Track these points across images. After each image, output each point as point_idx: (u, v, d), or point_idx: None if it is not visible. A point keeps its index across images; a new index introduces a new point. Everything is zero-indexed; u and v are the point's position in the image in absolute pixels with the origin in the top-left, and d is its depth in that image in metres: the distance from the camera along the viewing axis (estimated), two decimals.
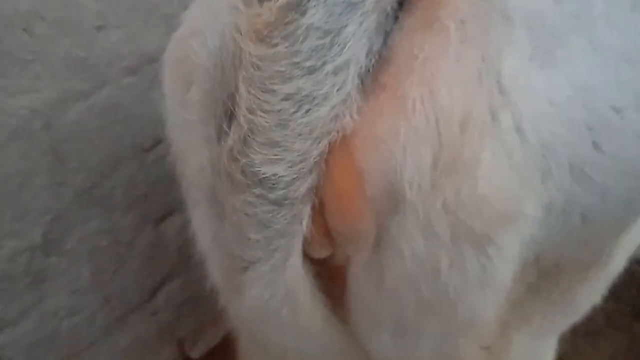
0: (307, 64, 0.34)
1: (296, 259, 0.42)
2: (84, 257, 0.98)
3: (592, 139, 0.36)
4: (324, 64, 0.34)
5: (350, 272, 0.45)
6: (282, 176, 0.36)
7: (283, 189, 0.37)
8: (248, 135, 0.36)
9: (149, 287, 1.15)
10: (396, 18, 0.37)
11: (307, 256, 0.44)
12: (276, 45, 0.33)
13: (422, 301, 0.43)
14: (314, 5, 0.32)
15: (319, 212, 0.40)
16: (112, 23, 0.87)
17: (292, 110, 0.35)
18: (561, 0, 0.36)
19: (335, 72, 0.34)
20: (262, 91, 0.35)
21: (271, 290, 0.46)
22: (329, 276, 0.47)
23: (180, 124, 0.46)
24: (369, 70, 0.36)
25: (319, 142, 0.36)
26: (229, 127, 0.37)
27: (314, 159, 0.36)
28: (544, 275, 0.49)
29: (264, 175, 0.36)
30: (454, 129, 0.35)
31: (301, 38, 0.33)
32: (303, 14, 0.32)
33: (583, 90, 0.35)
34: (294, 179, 0.37)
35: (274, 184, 0.37)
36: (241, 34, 0.34)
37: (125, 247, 1.05)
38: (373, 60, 0.36)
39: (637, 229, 0.50)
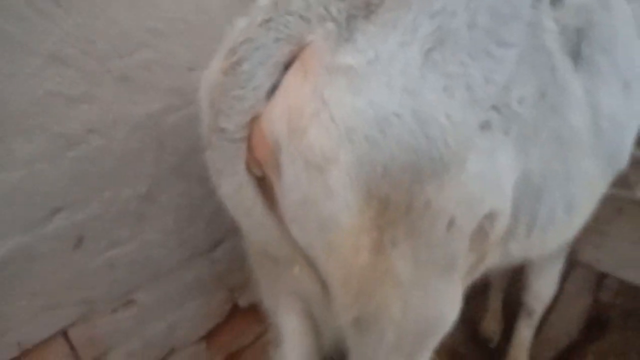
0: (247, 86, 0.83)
1: (243, 175, 0.90)
2: (171, 209, 1.53)
3: None
4: (251, 87, 0.83)
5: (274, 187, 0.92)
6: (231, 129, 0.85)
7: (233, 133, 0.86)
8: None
9: (212, 240, 1.68)
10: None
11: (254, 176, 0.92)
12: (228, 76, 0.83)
13: None
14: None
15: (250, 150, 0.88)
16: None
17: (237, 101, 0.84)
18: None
19: (255, 89, 0.83)
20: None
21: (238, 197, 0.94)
22: (267, 188, 0.94)
23: None
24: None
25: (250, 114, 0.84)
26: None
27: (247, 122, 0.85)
28: None
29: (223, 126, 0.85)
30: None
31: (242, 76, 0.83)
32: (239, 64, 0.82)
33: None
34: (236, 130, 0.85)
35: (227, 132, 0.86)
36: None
37: (198, 208, 1.59)
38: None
39: None
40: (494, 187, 0.99)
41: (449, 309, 1.16)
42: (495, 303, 2.51)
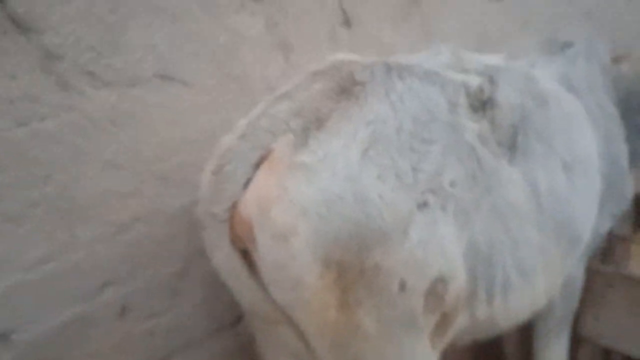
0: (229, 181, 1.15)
1: (229, 248, 1.19)
2: (200, 285, 1.83)
3: None
4: (232, 182, 1.15)
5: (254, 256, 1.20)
6: (219, 213, 1.16)
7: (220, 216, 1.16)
8: None
9: (236, 314, 1.95)
10: None
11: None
12: None
13: None
14: None
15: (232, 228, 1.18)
16: None
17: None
18: None
19: (235, 183, 1.15)
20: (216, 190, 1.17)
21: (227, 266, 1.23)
22: (250, 258, 1.22)
23: None
24: None
25: (231, 201, 1.15)
26: None
27: (229, 207, 1.15)
28: None
29: (214, 211, 1.16)
30: None
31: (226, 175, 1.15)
32: (224, 166, 1.14)
33: None
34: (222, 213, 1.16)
35: (217, 215, 1.17)
36: None
37: (223, 285, 1.88)
38: None
39: None
40: (439, 254, 1.23)
41: None
42: None
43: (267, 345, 1.49)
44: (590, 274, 2.00)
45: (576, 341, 2.04)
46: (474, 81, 1.38)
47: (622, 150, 1.90)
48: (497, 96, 1.42)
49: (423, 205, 1.19)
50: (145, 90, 1.67)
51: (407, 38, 2.24)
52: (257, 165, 1.12)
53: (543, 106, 1.55)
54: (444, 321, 1.35)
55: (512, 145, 1.42)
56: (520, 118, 1.47)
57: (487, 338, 1.73)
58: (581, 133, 1.67)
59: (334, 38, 2.05)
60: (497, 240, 1.36)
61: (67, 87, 1.55)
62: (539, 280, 1.53)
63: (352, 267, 1.13)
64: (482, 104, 1.38)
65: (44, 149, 1.48)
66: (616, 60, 2.13)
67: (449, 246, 1.24)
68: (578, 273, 1.99)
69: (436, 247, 1.21)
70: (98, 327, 1.62)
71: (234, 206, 1.12)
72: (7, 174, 1.42)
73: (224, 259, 1.19)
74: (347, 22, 2.06)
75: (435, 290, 1.24)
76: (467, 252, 1.31)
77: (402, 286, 1.19)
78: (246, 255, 1.17)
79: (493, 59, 1.64)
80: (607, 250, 2.04)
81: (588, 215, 1.67)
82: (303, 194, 1.07)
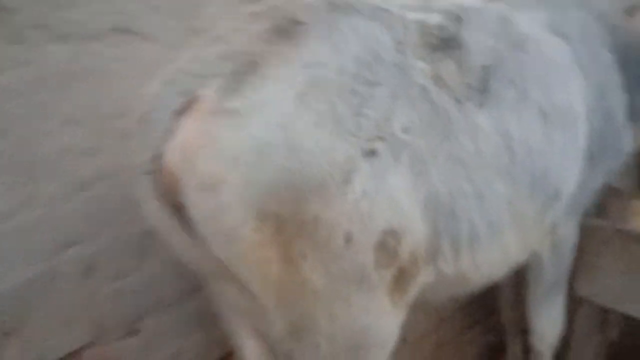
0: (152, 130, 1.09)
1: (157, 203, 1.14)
2: None
3: None
4: (155, 130, 1.09)
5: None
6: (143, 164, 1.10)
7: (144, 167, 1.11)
8: None
9: None
10: None
11: None
12: None
13: None
14: None
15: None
16: None
17: None
18: None
19: (158, 132, 1.09)
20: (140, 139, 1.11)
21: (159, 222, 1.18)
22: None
23: None
24: None
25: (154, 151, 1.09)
26: None
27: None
28: None
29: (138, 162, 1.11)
30: None
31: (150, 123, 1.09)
32: (149, 114, 1.08)
33: None
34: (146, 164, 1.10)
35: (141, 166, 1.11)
36: None
37: None
38: None
39: None
40: (388, 206, 1.15)
41: (377, 324, 1.29)
42: (513, 347, 2.50)
43: (220, 304, 1.46)
44: (585, 231, 1.90)
45: (573, 301, 1.96)
46: (434, 19, 1.28)
47: (619, 102, 1.78)
48: (464, 35, 1.32)
49: (370, 154, 1.12)
50: (103, 44, 1.62)
51: None
52: (184, 112, 1.05)
53: (519, 50, 1.44)
54: (403, 276, 1.28)
55: (483, 88, 1.32)
56: (493, 60, 1.36)
57: (462, 294, 1.66)
58: (563, 81, 1.55)
59: None
60: (459, 191, 1.28)
61: (21, 40, 1.50)
62: (509, 234, 1.45)
63: (291, 220, 1.07)
64: (443, 43, 1.28)
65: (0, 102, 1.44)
66: (630, 11, 1.98)
67: (401, 197, 1.17)
68: (569, 231, 1.88)
69: (385, 198, 1.14)
70: (63, 286, 1.60)
71: (159, 157, 1.06)
72: None
73: (154, 214, 1.14)
74: None
75: (386, 244, 1.18)
76: (426, 204, 1.24)
77: (348, 239, 1.13)
78: (178, 209, 1.12)
79: (470, 0, 1.53)
80: (602, 206, 1.93)
81: (568, 169, 1.57)
82: (231, 141, 1.00)
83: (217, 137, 1.00)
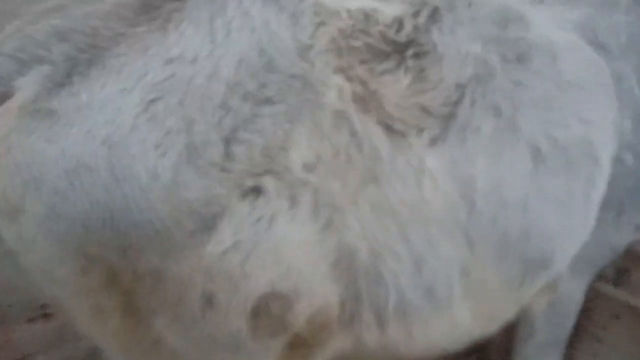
0: None
1: None
2: None
3: None
4: None
5: None
6: None
7: None
8: None
9: None
10: None
11: None
12: None
13: None
14: None
15: None
16: None
17: None
18: None
19: None
20: None
21: None
22: None
23: None
24: None
25: None
26: None
27: None
28: None
29: None
30: None
31: None
32: None
33: None
34: None
35: None
36: None
37: None
38: None
39: None
40: (272, 262, 0.85)
41: None
42: None
43: None
44: (595, 296, 1.51)
45: None
46: (391, 10, 0.91)
47: None
48: (436, 37, 0.95)
49: (252, 192, 0.80)
50: None
51: None
52: None
53: (518, 63, 1.04)
54: (304, 344, 0.98)
55: (448, 115, 0.95)
56: (474, 77, 0.98)
57: None
58: (581, 108, 1.13)
59: None
60: (387, 250, 0.94)
61: None
62: (461, 307, 1.09)
63: (122, 268, 0.78)
64: (397, 47, 0.91)
65: None
66: None
67: (296, 252, 0.86)
68: (573, 292, 1.49)
69: (269, 251, 0.84)
70: None
71: None
72: None
73: None
74: None
75: (268, 311, 0.87)
76: (338, 262, 0.92)
77: (208, 301, 0.84)
78: None
79: None
80: (621, 272, 1.52)
81: (569, 227, 1.16)
82: (37, 155, 0.72)
83: (19, 149, 0.72)
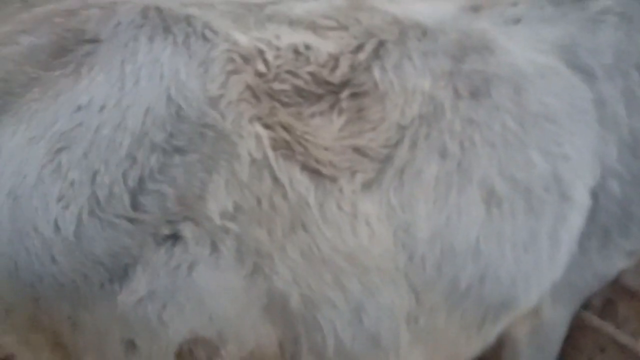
0: None
1: None
2: None
3: None
4: None
5: None
6: None
7: None
8: None
9: None
10: None
11: None
12: None
13: None
14: None
15: None
16: None
17: None
18: None
19: None
20: None
21: None
22: None
23: None
24: None
25: None
26: None
27: None
28: None
29: None
30: None
31: None
32: None
33: None
34: None
35: None
36: None
37: None
38: None
39: None
40: (194, 309, 0.83)
41: None
42: None
43: None
44: (580, 327, 1.44)
45: None
46: (325, 48, 0.86)
47: None
48: (376, 76, 0.89)
49: (168, 239, 0.79)
50: None
51: None
52: None
53: (473, 100, 0.97)
54: None
55: (384, 158, 0.90)
56: (419, 116, 0.92)
57: None
58: (553, 141, 1.05)
59: None
60: (321, 297, 0.91)
61: None
62: (411, 353, 1.04)
63: (38, 314, 0.79)
64: (333, 89, 0.87)
65: None
66: None
67: (218, 297, 0.85)
68: (557, 319, 1.41)
69: (186, 298, 0.81)
70: None
71: None
72: None
73: None
74: None
75: (193, 355, 0.86)
76: (269, 306, 0.90)
77: (130, 346, 0.83)
78: None
79: (436, 9, 1.07)
80: (608, 303, 1.44)
81: (534, 268, 1.09)
82: None
83: None
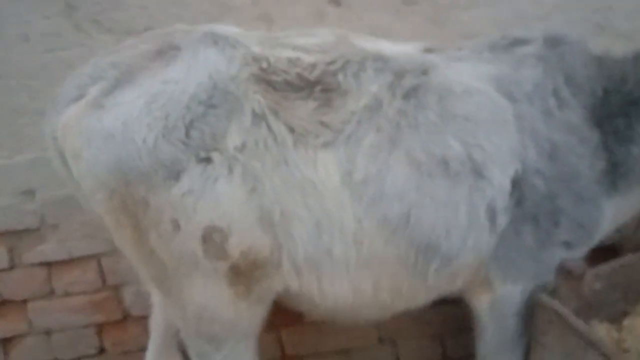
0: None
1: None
2: None
3: None
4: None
5: None
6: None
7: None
8: None
9: None
10: None
11: None
12: None
13: None
14: None
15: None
16: None
17: None
18: None
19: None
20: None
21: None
22: None
23: None
24: None
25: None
26: None
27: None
28: None
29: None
30: None
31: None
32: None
33: None
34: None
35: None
36: None
37: None
38: None
39: None
40: (213, 206, 1.39)
41: (215, 305, 1.53)
42: None
43: None
44: (535, 306, 1.75)
45: None
46: (308, 59, 1.45)
47: (584, 167, 1.61)
48: (339, 80, 1.43)
49: (205, 160, 1.37)
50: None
51: (408, 23, 2.22)
52: (75, 101, 1.43)
53: (404, 100, 1.46)
54: (242, 274, 1.47)
55: (339, 129, 1.43)
56: (366, 106, 1.45)
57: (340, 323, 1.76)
58: (470, 134, 1.52)
59: (320, 15, 2.17)
60: (294, 214, 1.43)
61: (80, 29, 2.07)
62: (359, 273, 1.51)
63: (127, 196, 1.39)
64: (310, 84, 1.44)
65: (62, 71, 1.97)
66: None
67: (229, 203, 1.39)
68: (510, 294, 1.70)
69: (211, 199, 1.38)
70: None
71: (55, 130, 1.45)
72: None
73: (59, 166, 1.53)
74: (335, 1, 2.16)
75: (212, 238, 1.41)
76: (261, 217, 1.42)
77: (175, 226, 1.41)
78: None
79: (397, 47, 1.62)
80: (557, 287, 1.77)
81: (457, 226, 1.53)
82: (90, 128, 1.36)
83: (82, 123, 1.37)
